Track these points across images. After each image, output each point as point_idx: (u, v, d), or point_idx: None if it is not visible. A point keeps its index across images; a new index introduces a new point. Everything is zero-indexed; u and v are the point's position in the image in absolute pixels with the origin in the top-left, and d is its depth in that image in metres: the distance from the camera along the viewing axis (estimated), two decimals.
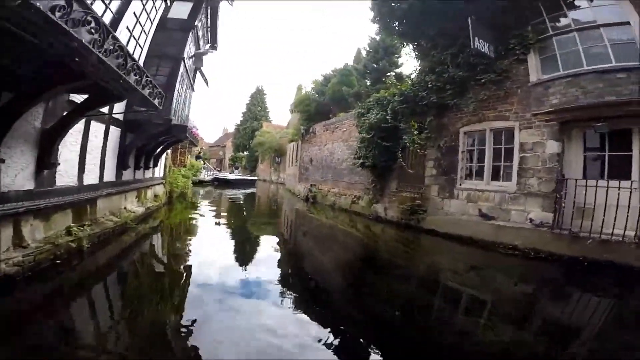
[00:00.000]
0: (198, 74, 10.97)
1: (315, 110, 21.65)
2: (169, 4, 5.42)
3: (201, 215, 11.79)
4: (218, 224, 11.02)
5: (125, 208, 8.20)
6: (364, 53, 23.36)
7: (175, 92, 8.14)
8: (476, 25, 7.71)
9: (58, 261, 4.65)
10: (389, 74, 21.28)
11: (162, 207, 11.47)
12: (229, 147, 57.65)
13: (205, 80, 11.24)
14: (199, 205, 15.07)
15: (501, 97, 7.96)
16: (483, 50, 7.80)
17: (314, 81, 23.44)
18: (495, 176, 8.23)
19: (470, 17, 7.65)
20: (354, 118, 13.81)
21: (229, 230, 10.28)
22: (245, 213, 15.09)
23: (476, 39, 7.67)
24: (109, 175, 7.15)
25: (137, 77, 3.69)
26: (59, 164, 4.89)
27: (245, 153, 50.41)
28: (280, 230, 11.05)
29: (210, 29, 11.10)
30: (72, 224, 5.43)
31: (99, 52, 2.79)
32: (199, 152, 39.56)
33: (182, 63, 8.36)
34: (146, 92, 4.09)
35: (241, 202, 19.29)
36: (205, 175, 29.25)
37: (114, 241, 6.50)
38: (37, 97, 3.45)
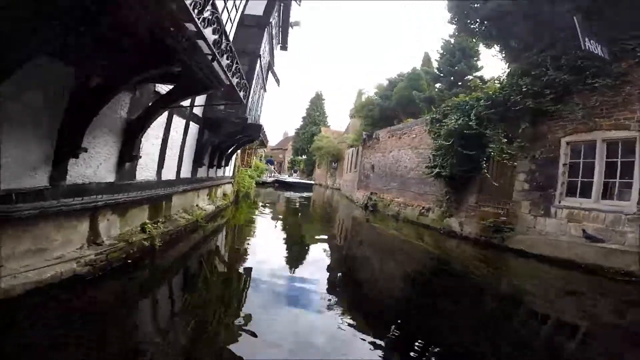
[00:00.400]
0: (270, 74, 10.95)
1: (379, 115, 20.86)
2: None
3: (263, 215, 11.90)
4: (279, 226, 11.03)
5: (197, 205, 8.29)
6: (434, 57, 22.11)
7: (252, 90, 8.06)
8: (583, 24, 6.82)
9: (129, 260, 4.43)
10: (467, 77, 19.76)
11: (229, 205, 11.65)
12: (289, 150, 59.06)
13: (277, 80, 11.17)
14: (262, 205, 15.22)
15: (618, 103, 6.83)
16: (596, 52, 6.83)
17: (377, 85, 22.66)
18: (605, 194, 7.02)
19: (574, 15, 6.81)
20: (427, 124, 12.83)
21: (288, 232, 10.12)
22: (303, 216, 14.85)
23: (586, 39, 6.75)
24: (186, 171, 7.19)
25: (228, 62, 3.40)
26: (140, 157, 4.79)
27: (304, 157, 51.11)
28: (340, 236, 10.49)
29: (281, 28, 11.03)
30: (148, 221, 5.37)
31: (198, 19, 2.50)
32: (270, 155, 40.97)
33: (259, 61, 8.28)
34: (234, 81, 3.80)
35: (299, 205, 19.15)
36: (267, 177, 30.01)
37: (185, 239, 6.47)
38: (126, 82, 3.23)
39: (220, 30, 2.99)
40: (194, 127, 7.20)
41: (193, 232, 7.00)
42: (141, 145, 4.81)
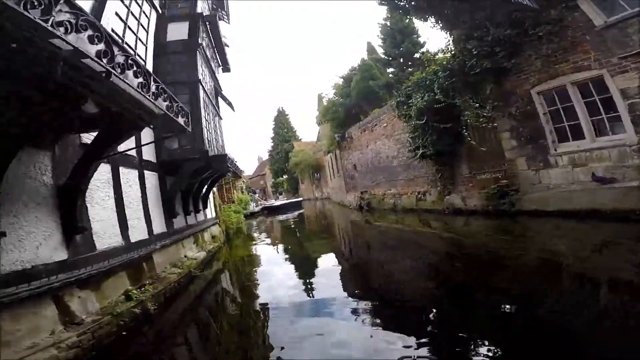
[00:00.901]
0: (220, 99, 10.35)
1: (344, 114, 20.42)
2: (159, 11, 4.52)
3: (261, 245, 11.30)
4: (280, 251, 10.47)
5: (185, 256, 7.57)
6: (377, 43, 22.21)
7: (203, 120, 7.48)
8: None
9: (124, 332, 3.91)
10: (415, 55, 19.82)
11: (222, 246, 10.90)
12: (268, 174, 58.25)
13: (230, 104, 10.54)
14: (256, 236, 14.47)
15: (568, 47, 6.95)
16: (525, 2, 7.03)
17: (334, 85, 22.24)
18: (599, 132, 6.81)
19: None
20: (393, 109, 12.54)
21: (292, 255, 9.53)
22: (301, 234, 14.20)
23: None
24: (159, 226, 6.51)
25: (141, 80, 2.78)
26: (86, 227, 4.13)
27: (285, 177, 50.43)
28: (345, 244, 9.90)
29: (216, 49, 10.51)
30: (130, 287, 4.70)
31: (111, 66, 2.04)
32: (249, 186, 40.09)
33: (201, 86, 7.72)
34: (163, 104, 3.18)
35: (294, 224, 18.44)
36: (254, 207, 29.19)
37: (183, 294, 5.79)
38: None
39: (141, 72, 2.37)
40: (151, 176, 6.55)
41: (190, 284, 6.32)
42: (88, 212, 4.25)
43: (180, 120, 3.69)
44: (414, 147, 10.61)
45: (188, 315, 5.08)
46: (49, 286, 3.28)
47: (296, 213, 24.87)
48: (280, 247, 11.14)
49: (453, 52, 9.60)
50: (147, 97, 2.85)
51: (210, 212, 11.44)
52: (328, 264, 7.46)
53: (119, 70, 2.51)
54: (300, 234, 14.31)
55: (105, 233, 4.55)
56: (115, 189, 5.06)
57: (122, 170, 5.32)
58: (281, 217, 22.86)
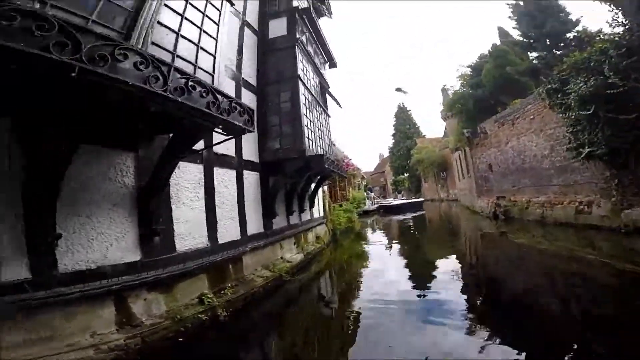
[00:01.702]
0: (328, 97, 9.77)
1: (474, 107, 17.34)
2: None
3: (371, 246, 10.50)
4: (387, 257, 9.31)
5: (282, 258, 7.33)
6: (511, 26, 18.13)
7: (304, 118, 6.97)
8: None
9: (181, 339, 3.63)
10: (568, 35, 15.47)
11: (325, 248, 10.45)
12: (388, 172, 56.72)
13: (337, 101, 9.87)
14: (367, 237, 13.65)
15: None
16: None
17: (461, 76, 18.99)
18: None
19: None
20: (543, 99, 9.70)
21: (400, 263, 8.33)
22: (419, 238, 12.57)
23: None
24: (255, 227, 6.33)
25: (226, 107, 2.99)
26: (166, 228, 4.07)
27: (406, 175, 47.99)
28: (468, 264, 7.81)
29: (319, 44, 9.90)
30: (206, 291, 4.50)
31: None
32: (367, 184, 40.06)
33: (300, 83, 7.23)
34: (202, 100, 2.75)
35: (411, 226, 16.81)
36: (370, 205, 28.50)
37: (266, 300, 5.40)
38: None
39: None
40: (251, 176, 6.39)
41: (279, 288, 5.95)
42: (171, 213, 4.14)
43: (239, 119, 3.19)
44: (576, 144, 7.89)
45: (261, 324, 4.60)
46: (108, 288, 3.24)
47: (416, 215, 22.88)
48: (391, 252, 9.94)
49: (627, 26, 7.56)
50: (219, 115, 2.93)
51: (318, 212, 11.13)
52: (443, 286, 5.79)
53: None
54: (416, 237, 12.72)
55: (189, 234, 4.43)
56: (207, 189, 4.93)
57: (217, 170, 5.20)
58: (398, 218, 21.40)
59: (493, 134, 14.98)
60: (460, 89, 18.77)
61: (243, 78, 6.51)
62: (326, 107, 9.64)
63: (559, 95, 8.44)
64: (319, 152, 7.72)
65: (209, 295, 4.38)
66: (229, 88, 5.54)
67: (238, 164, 5.96)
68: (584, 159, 7.85)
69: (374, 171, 67.50)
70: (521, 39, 17.89)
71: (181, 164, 4.14)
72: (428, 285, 6.03)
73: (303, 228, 9.05)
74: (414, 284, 6.18)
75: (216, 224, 5.02)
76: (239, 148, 5.89)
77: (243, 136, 4.91)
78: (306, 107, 7.32)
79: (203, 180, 4.84)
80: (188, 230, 4.40)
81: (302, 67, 7.62)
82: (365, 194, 27.63)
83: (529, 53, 17.48)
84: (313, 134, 7.60)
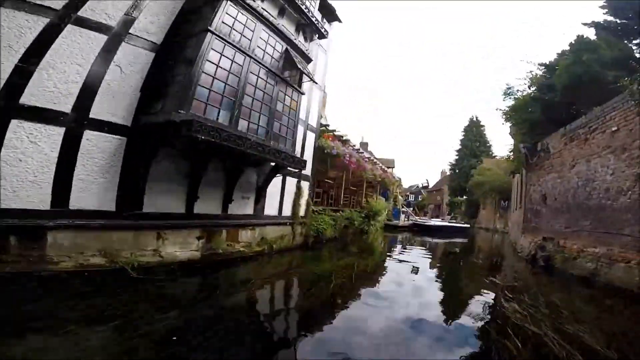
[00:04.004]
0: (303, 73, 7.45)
1: (540, 115, 12.93)
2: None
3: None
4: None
5: (154, 251, 5.87)
6: (598, 5, 13.20)
7: (203, 76, 5.16)
8: None
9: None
10: None
11: (270, 253, 7.92)
12: (445, 191, 51.39)
13: (311, 77, 7.19)
14: (354, 252, 11.01)
15: None
16: None
17: (532, 78, 14.26)
18: None
19: None
20: (636, 101, 6.37)
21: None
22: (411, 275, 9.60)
23: None
24: (93, 201, 5.04)
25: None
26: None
27: (464, 197, 42.64)
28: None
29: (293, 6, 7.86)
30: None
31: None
32: (402, 195, 36.43)
33: (216, 38, 5.41)
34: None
35: (429, 253, 13.56)
36: (403, 220, 25.35)
37: None
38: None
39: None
40: (102, 140, 5.00)
41: None
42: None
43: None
44: None
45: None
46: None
47: (455, 240, 19.24)
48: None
49: None
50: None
51: (279, 210, 8.72)
52: None
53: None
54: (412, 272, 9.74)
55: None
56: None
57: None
58: (430, 240, 18.13)
59: (557, 152, 11.24)
60: (528, 91, 14.18)
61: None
62: (299, 83, 7.49)
63: None
64: (249, 135, 5.81)
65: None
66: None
67: (73, 121, 4.57)
68: None
69: (432, 187, 62.18)
70: (612, 18, 13.12)
71: None
72: None
73: (230, 223, 7.19)
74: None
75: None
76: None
77: (105, 89, 4.92)
78: (230, 73, 5.56)
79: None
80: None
81: (232, 21, 5.74)
82: (391, 205, 24.51)
83: (625, 40, 12.66)
84: (247, 109, 5.92)
